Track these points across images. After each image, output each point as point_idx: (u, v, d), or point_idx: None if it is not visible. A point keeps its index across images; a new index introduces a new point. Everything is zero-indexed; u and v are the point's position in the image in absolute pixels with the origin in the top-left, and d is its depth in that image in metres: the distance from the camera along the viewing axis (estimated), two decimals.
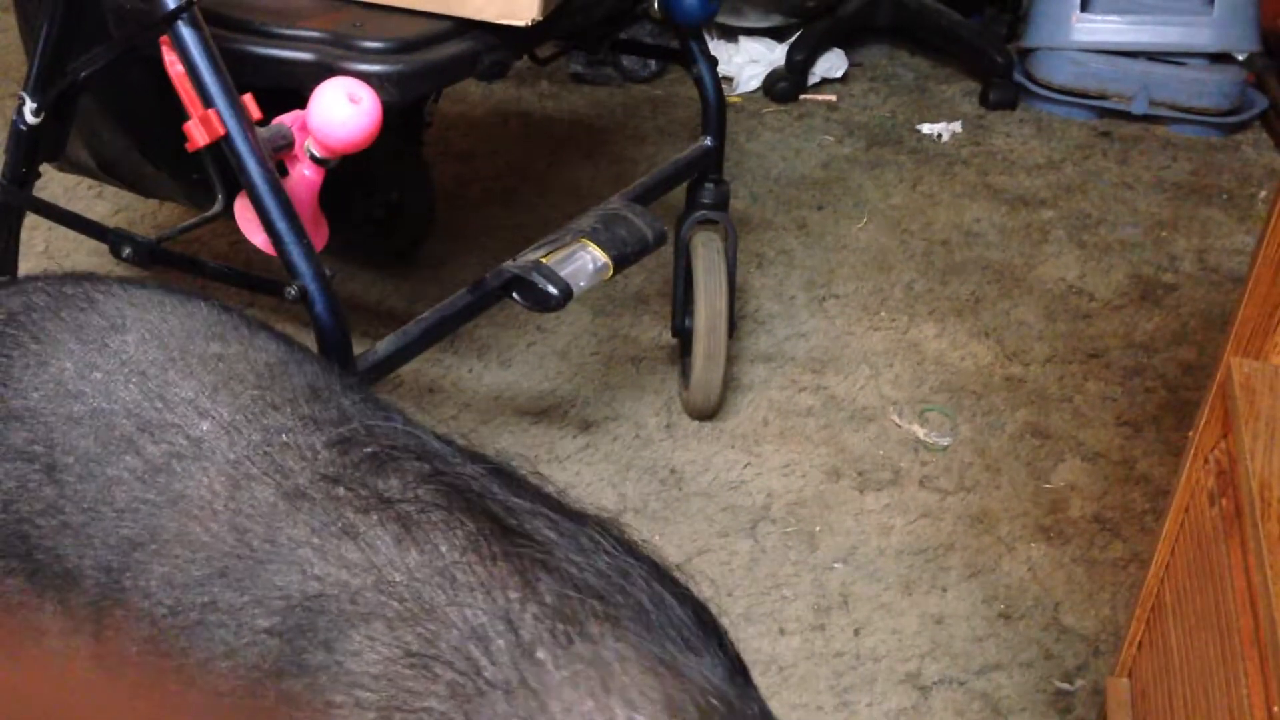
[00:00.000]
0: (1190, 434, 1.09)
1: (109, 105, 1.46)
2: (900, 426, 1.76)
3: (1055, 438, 1.75)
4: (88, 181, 2.04)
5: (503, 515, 0.75)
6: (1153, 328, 1.96)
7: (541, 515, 0.75)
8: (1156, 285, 2.06)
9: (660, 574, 0.74)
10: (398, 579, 0.71)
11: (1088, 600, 1.51)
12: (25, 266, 1.56)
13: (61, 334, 0.86)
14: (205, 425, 0.80)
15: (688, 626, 0.71)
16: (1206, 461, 1.05)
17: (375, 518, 0.74)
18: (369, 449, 0.79)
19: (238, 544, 0.75)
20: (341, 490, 0.76)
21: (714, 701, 0.66)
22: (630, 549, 0.75)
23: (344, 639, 0.70)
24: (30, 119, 1.31)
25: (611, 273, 1.43)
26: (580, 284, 1.40)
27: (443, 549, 0.72)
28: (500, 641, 0.68)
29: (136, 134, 1.49)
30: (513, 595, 0.70)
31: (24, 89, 1.31)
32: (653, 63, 2.57)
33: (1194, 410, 1.76)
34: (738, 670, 0.72)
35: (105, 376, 0.83)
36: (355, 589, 0.71)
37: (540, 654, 0.67)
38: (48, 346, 0.85)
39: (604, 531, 0.75)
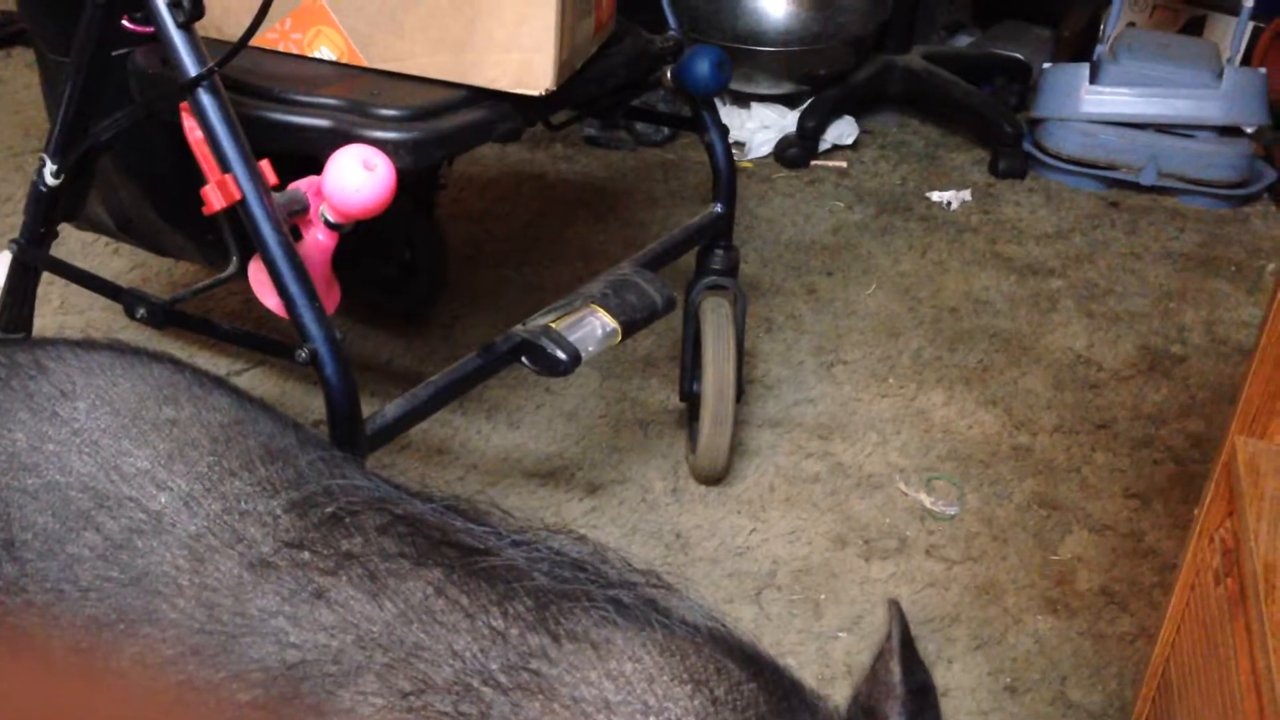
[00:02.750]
0: (1196, 512, 1.09)
1: (128, 166, 1.49)
2: (907, 495, 1.76)
3: (1063, 509, 1.74)
4: (104, 238, 2.06)
5: (467, 544, 0.76)
6: (1161, 399, 1.96)
7: (502, 537, 0.77)
8: (1165, 356, 2.06)
9: (619, 564, 0.77)
10: (375, 631, 0.72)
11: (1095, 675, 1.50)
12: (40, 321, 1.57)
13: (12, 404, 0.85)
14: (163, 498, 0.80)
15: (654, 607, 0.74)
16: (1212, 540, 1.04)
17: (344, 577, 0.74)
18: (328, 509, 0.79)
19: (208, 620, 0.74)
20: (306, 555, 0.75)
21: (706, 663, 0.70)
22: (589, 551, 0.77)
23: (333, 699, 0.70)
24: (50, 180, 1.33)
25: (620, 338, 1.44)
26: (589, 349, 1.41)
27: (415, 593, 0.73)
28: (493, 664, 0.69)
29: (154, 195, 1.51)
30: (495, 619, 0.72)
31: (45, 151, 1.34)
32: (665, 127, 2.60)
33: (1202, 483, 1.75)
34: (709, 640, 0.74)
35: (58, 448, 0.82)
36: (336, 650, 0.71)
37: (534, 664, 0.69)
38: (2, 419, 0.84)
39: (564, 540, 0.78)
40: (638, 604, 0.75)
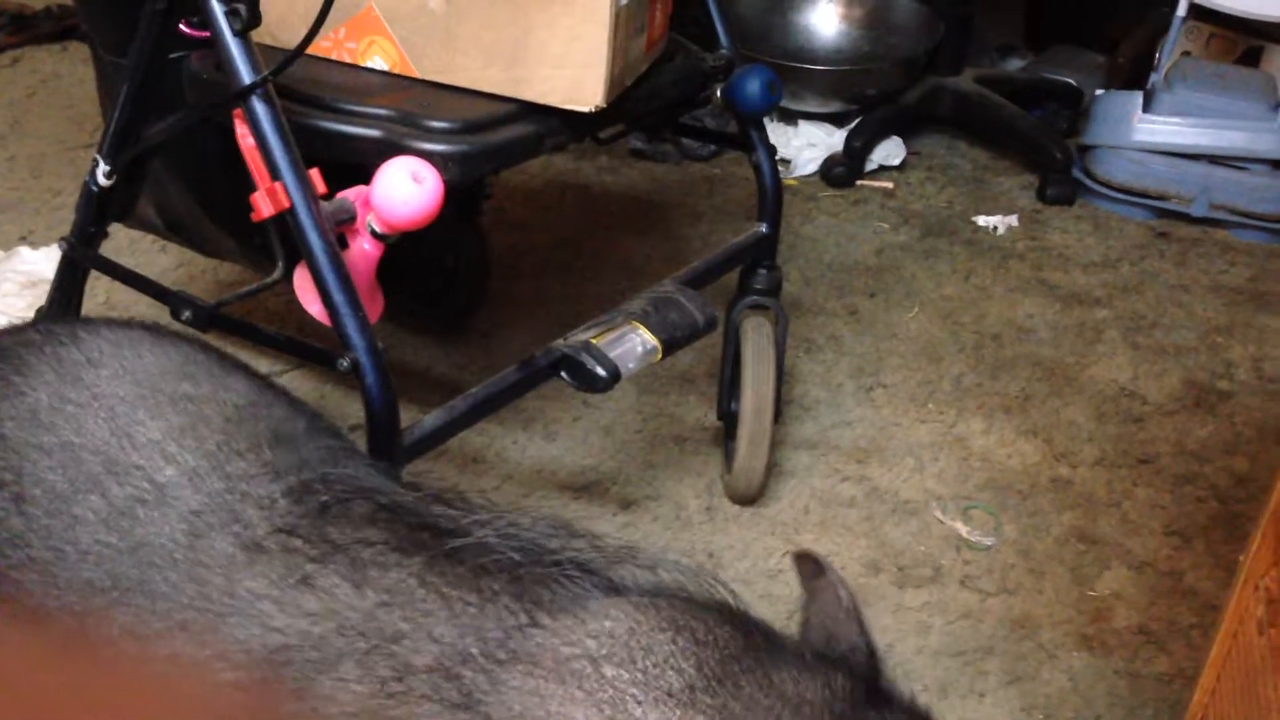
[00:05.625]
0: (1241, 558, 1.07)
1: (178, 169, 1.50)
2: (943, 523, 1.74)
3: (1102, 543, 1.72)
4: (152, 235, 2.08)
5: (443, 528, 0.78)
6: (1206, 435, 1.93)
7: (481, 524, 0.79)
8: (1211, 392, 2.03)
9: (590, 538, 0.80)
10: (355, 619, 0.73)
11: (1129, 715, 1.48)
12: (87, 315, 1.59)
13: (42, 367, 0.89)
14: (170, 471, 0.81)
15: (626, 575, 0.78)
16: (1257, 589, 1.02)
17: (330, 565, 0.76)
18: (323, 497, 0.80)
19: (198, 596, 0.76)
20: (298, 541, 0.77)
21: (681, 613, 0.73)
22: (558, 529, 0.80)
23: (314, 685, 0.72)
24: (102, 180, 1.34)
25: (660, 356, 1.43)
26: (629, 366, 1.40)
27: (396, 580, 0.75)
28: (472, 646, 0.71)
29: (203, 198, 1.53)
30: (470, 600, 0.74)
31: (98, 151, 1.35)
32: (712, 143, 2.59)
33: (1245, 523, 1.73)
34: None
35: (77, 410, 0.85)
36: (318, 636, 0.73)
37: (515, 638, 0.71)
38: (29, 379, 0.88)
39: (534, 520, 0.80)
40: (609, 573, 0.78)
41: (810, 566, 0.83)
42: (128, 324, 0.96)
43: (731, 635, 0.73)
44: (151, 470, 0.81)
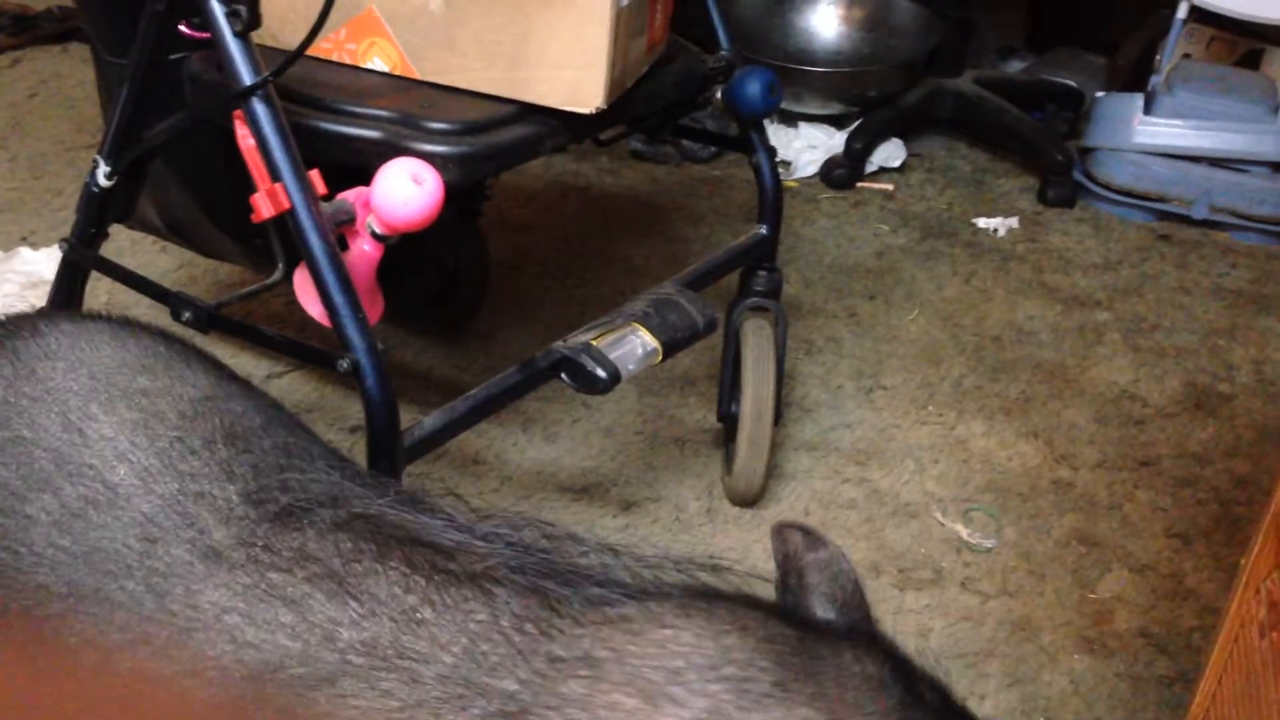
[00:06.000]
0: (1242, 561, 1.07)
1: (178, 170, 1.50)
2: (943, 525, 1.74)
3: (1103, 546, 1.72)
4: (152, 236, 2.08)
5: (429, 540, 0.74)
6: (1207, 438, 1.93)
7: (465, 530, 0.75)
8: (1212, 395, 2.03)
9: (590, 542, 0.77)
10: (345, 634, 0.69)
11: (1130, 718, 1.47)
12: None
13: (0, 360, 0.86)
14: (122, 470, 0.79)
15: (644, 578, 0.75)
16: (1258, 592, 1.02)
17: (300, 575, 0.72)
18: (283, 499, 0.77)
19: (157, 608, 0.73)
20: (259, 550, 0.74)
21: (728, 612, 0.70)
22: (554, 533, 0.77)
23: (305, 702, 0.68)
24: (103, 181, 1.34)
25: (661, 358, 1.43)
26: (629, 368, 1.40)
27: (378, 589, 0.71)
28: (494, 656, 0.67)
29: (203, 199, 1.53)
30: (480, 614, 0.70)
31: (98, 152, 1.35)
32: (712, 145, 2.59)
33: (1246, 526, 1.72)
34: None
35: (30, 404, 0.82)
36: (299, 651, 0.69)
37: (553, 651, 0.67)
38: None
39: (524, 526, 0.77)
40: (620, 574, 0.75)
41: (804, 538, 0.79)
42: (88, 317, 0.94)
43: (781, 625, 0.70)
44: (103, 469, 0.79)
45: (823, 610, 0.76)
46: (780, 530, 0.81)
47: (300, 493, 0.78)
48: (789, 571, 0.78)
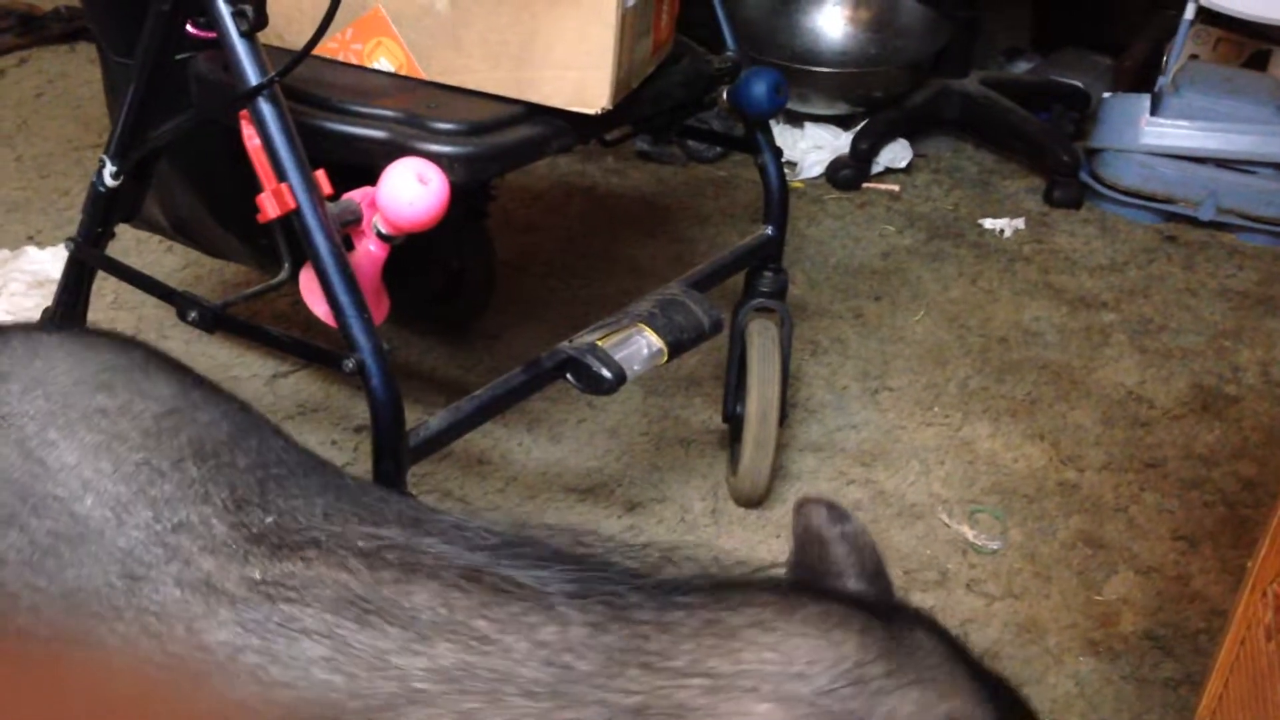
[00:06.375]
0: (1249, 563, 1.06)
1: (184, 169, 1.50)
2: (949, 526, 1.74)
3: (1109, 548, 1.71)
4: (158, 236, 2.08)
5: (458, 555, 0.70)
6: (1213, 440, 1.92)
7: (485, 540, 0.71)
8: (1218, 396, 2.02)
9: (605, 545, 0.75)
10: (398, 661, 0.65)
11: None
12: (93, 317, 1.59)
13: None
14: (89, 500, 0.73)
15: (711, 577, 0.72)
16: (1265, 595, 1.02)
17: (317, 604, 0.67)
18: (268, 520, 0.72)
19: (158, 652, 0.67)
20: (259, 580, 0.68)
21: (817, 605, 0.69)
22: (580, 540, 0.75)
23: None
24: (109, 181, 1.34)
25: (666, 359, 1.43)
26: (634, 368, 1.40)
27: (425, 614, 0.67)
28: (582, 666, 0.64)
29: (209, 199, 1.53)
30: (547, 626, 0.66)
31: (105, 152, 1.35)
32: (718, 145, 2.59)
33: (1253, 528, 1.72)
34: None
35: None
36: (347, 687, 0.64)
37: (638, 655, 0.65)
38: None
39: (575, 542, 0.74)
40: (678, 574, 0.73)
41: (829, 512, 0.78)
42: (41, 331, 0.87)
43: (864, 613, 0.70)
44: (70, 500, 0.73)
45: (854, 583, 0.76)
46: (803, 504, 0.80)
47: (288, 512, 0.73)
48: (809, 544, 0.78)
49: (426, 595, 0.68)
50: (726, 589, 0.71)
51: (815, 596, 0.71)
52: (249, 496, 0.74)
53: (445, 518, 0.75)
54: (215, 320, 1.31)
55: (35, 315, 1.78)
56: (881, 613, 0.71)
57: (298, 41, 1.20)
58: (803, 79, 2.57)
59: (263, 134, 1.17)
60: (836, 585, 0.75)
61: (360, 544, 0.70)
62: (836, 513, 0.78)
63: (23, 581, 0.71)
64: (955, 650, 0.71)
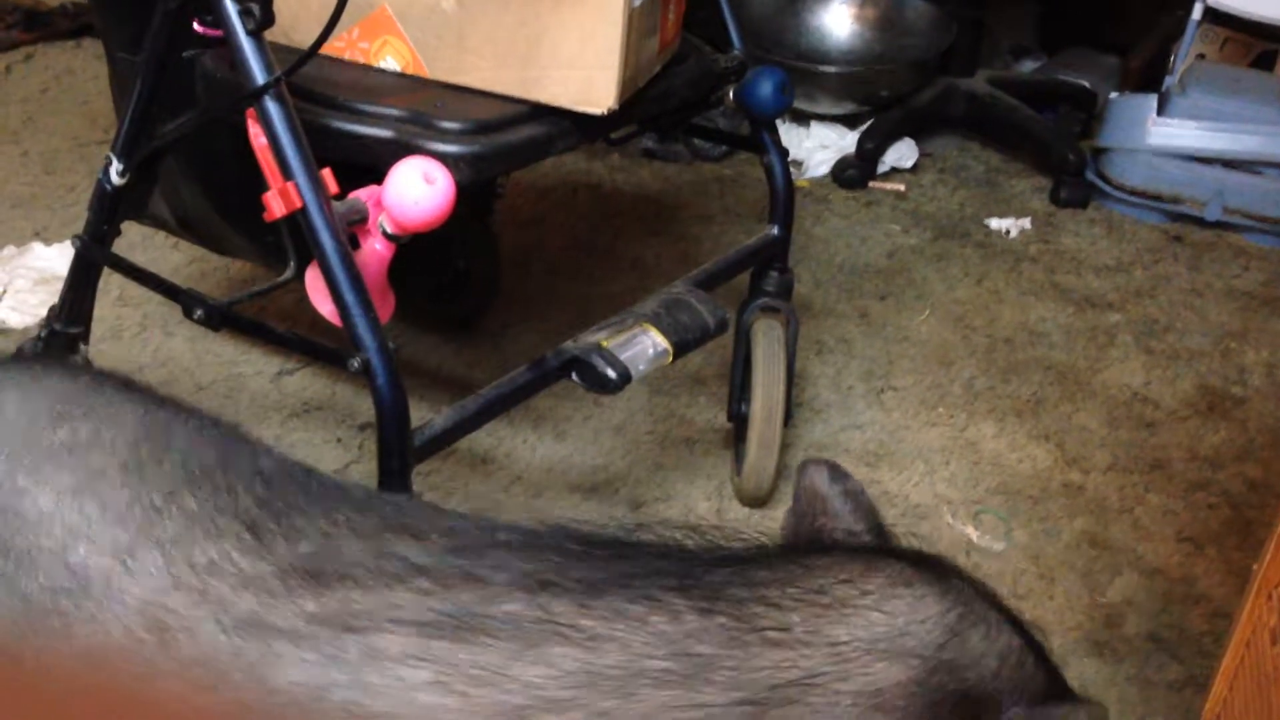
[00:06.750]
0: (1255, 567, 1.06)
1: (191, 167, 1.50)
2: (953, 527, 1.74)
3: (1113, 549, 1.71)
4: (164, 232, 2.09)
5: (525, 561, 0.68)
6: (1219, 441, 1.92)
7: (540, 540, 0.71)
8: (1224, 397, 2.02)
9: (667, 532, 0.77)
10: (517, 671, 0.62)
11: None
12: (99, 313, 1.59)
13: None
14: (82, 549, 0.66)
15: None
16: (1270, 598, 1.02)
17: (394, 629, 0.62)
18: (299, 545, 0.66)
19: (221, 705, 0.61)
20: (311, 608, 0.63)
21: (888, 565, 0.74)
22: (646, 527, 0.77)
23: None
24: (115, 179, 1.35)
25: (671, 358, 1.43)
26: (639, 368, 1.40)
27: (526, 618, 0.64)
28: (703, 649, 0.66)
29: (216, 196, 1.53)
30: (653, 617, 0.66)
31: (111, 149, 1.35)
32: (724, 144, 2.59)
33: (1258, 530, 1.72)
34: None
35: None
36: (462, 708, 0.61)
37: (753, 634, 0.67)
38: None
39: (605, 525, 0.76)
40: (762, 552, 0.76)
41: (830, 471, 0.83)
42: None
43: (911, 564, 0.74)
44: (61, 551, 0.65)
45: (865, 537, 0.81)
46: (806, 465, 0.84)
47: (312, 535, 0.67)
48: (813, 500, 0.81)
49: (517, 603, 0.65)
50: (798, 556, 0.74)
51: (883, 556, 0.75)
52: (263, 523, 0.68)
53: (467, 521, 0.73)
54: (221, 318, 1.31)
55: (41, 311, 1.78)
56: (927, 565, 0.75)
57: (304, 40, 1.20)
58: (809, 78, 2.57)
59: (269, 132, 1.17)
60: (860, 539, 0.80)
61: (413, 559, 0.66)
62: (838, 472, 0.83)
63: (25, 645, 0.65)
64: (984, 591, 0.76)
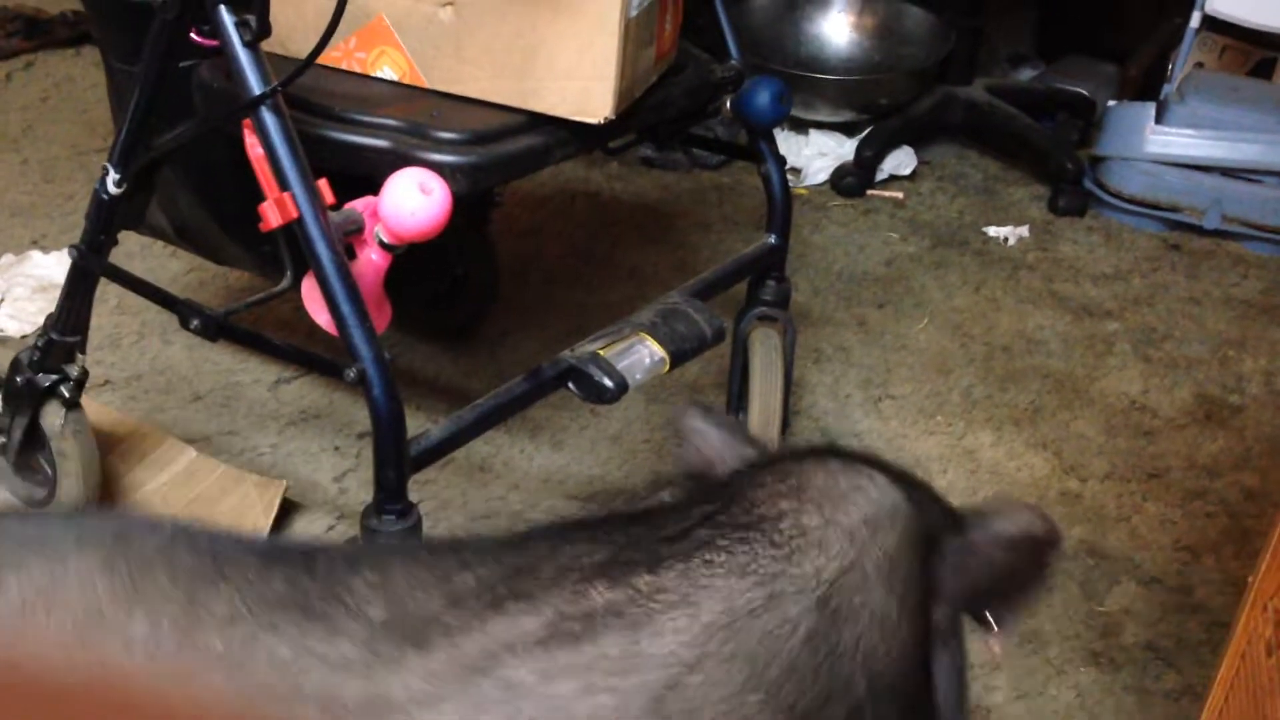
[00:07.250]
0: (1250, 578, 1.06)
1: (187, 175, 1.50)
2: None
3: (1111, 558, 1.71)
4: (162, 241, 2.09)
5: (599, 560, 0.72)
6: (1216, 450, 1.92)
7: (613, 543, 0.75)
8: (1222, 406, 2.02)
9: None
10: (649, 649, 0.65)
11: None
12: (96, 321, 1.59)
13: None
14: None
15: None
16: (1266, 609, 1.02)
17: (522, 654, 0.61)
18: (372, 611, 0.61)
19: None
20: (421, 665, 0.59)
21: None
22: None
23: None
24: (112, 189, 1.35)
25: (668, 368, 1.43)
26: (636, 378, 1.40)
27: (635, 608, 0.68)
28: (771, 568, 0.75)
29: (213, 205, 1.53)
30: (726, 562, 0.74)
31: (109, 159, 1.35)
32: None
33: (1255, 539, 1.71)
34: None
35: None
36: (591, 716, 0.62)
37: (776, 542, 0.77)
38: None
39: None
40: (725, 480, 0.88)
41: (698, 410, 0.95)
42: None
43: (847, 456, 0.88)
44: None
45: (748, 450, 0.93)
46: (675, 414, 0.96)
47: (372, 595, 0.62)
48: (690, 438, 0.93)
49: (605, 592, 0.67)
50: (756, 471, 0.85)
51: (818, 455, 0.88)
52: (308, 603, 0.61)
53: (486, 539, 0.73)
54: (218, 328, 1.31)
55: (39, 319, 1.78)
56: (842, 454, 0.90)
57: (301, 50, 1.20)
58: (807, 86, 2.57)
59: (265, 143, 1.18)
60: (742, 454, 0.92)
61: (479, 587, 0.65)
62: (703, 409, 0.95)
63: None
64: (871, 459, 0.90)
